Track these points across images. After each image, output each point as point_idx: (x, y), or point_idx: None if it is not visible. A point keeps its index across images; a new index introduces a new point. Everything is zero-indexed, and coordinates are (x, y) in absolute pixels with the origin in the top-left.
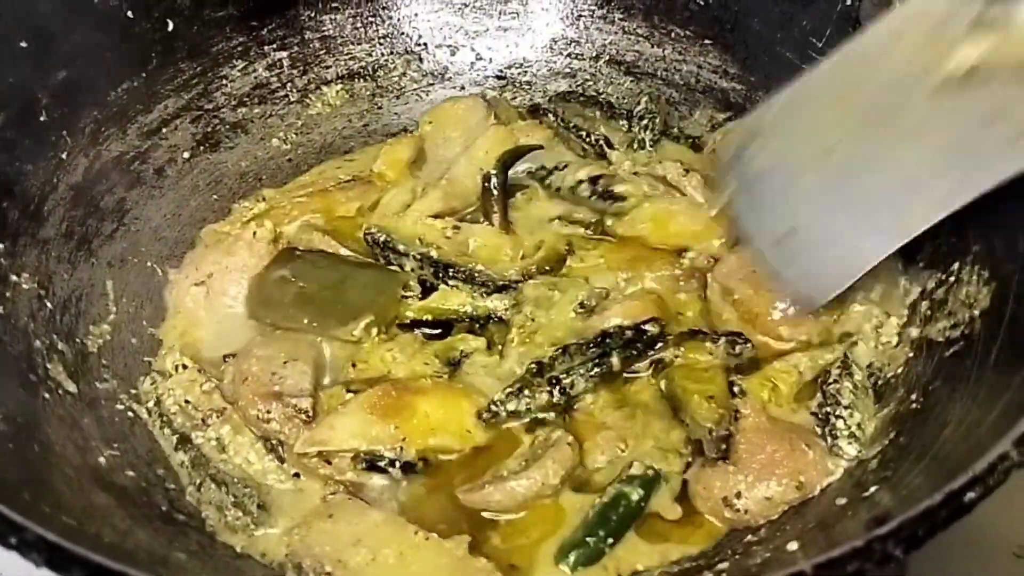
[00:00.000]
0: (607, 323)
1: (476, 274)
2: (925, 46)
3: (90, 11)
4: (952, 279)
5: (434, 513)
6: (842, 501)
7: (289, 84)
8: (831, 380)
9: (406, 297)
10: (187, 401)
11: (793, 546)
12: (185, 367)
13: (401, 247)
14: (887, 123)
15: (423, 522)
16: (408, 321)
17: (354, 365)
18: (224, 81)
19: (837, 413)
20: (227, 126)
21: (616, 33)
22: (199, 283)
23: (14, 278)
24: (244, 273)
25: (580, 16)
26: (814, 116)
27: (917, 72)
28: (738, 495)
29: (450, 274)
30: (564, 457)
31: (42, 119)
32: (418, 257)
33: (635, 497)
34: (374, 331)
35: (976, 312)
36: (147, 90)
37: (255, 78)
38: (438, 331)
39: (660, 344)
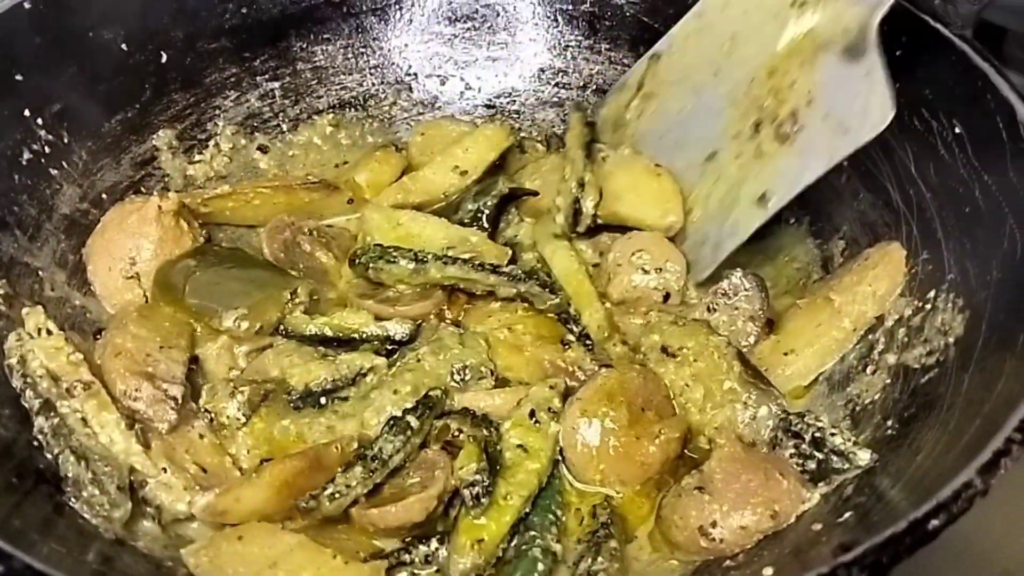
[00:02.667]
0: (459, 403)
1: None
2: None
3: (85, 44)
4: (928, 307)
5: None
6: (817, 527)
7: (281, 114)
8: (792, 425)
9: (292, 302)
10: (51, 374)
11: (768, 571)
12: (50, 332)
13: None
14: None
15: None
16: (307, 333)
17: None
18: (217, 111)
19: (830, 432)
20: (220, 155)
21: (603, 63)
22: (129, 276)
23: (6, 307)
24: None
25: (567, 47)
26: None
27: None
28: (713, 524)
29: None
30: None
31: (37, 149)
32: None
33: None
34: (244, 325)
35: (951, 339)
36: (141, 121)
37: (247, 108)
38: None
39: (446, 414)
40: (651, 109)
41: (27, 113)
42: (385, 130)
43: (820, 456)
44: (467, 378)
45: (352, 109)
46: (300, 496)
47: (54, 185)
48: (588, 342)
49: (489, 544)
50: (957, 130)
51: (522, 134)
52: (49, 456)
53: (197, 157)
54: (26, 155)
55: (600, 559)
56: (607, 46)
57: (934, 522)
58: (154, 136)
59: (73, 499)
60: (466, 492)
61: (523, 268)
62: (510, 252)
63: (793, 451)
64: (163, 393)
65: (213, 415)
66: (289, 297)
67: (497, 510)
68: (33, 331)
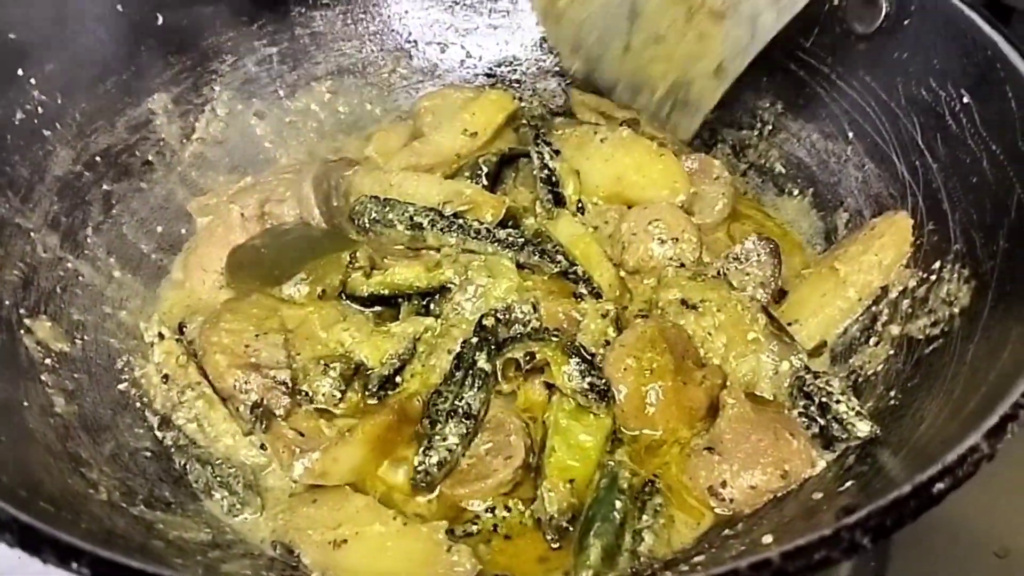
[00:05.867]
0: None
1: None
2: None
3: (80, 4)
4: (933, 277)
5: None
6: (818, 495)
7: (279, 80)
8: (806, 384)
9: (352, 265)
10: (165, 376)
11: (768, 539)
12: (162, 336)
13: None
14: None
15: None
16: (365, 295)
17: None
18: (214, 76)
19: (835, 399)
20: (216, 120)
21: None
22: (202, 268)
23: None
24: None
25: None
26: None
27: None
28: (723, 484)
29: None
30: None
31: (30, 109)
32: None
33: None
34: (305, 290)
35: (956, 310)
36: (136, 83)
37: (244, 73)
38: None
39: (509, 341)
40: None
41: (20, 72)
42: (384, 98)
43: (822, 422)
44: (512, 317)
45: (351, 76)
46: (391, 450)
47: (47, 147)
48: (599, 296)
49: (580, 483)
50: (965, 100)
51: (523, 103)
52: (178, 466)
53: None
54: (19, 115)
55: (645, 516)
56: None
57: (939, 486)
58: (149, 99)
59: (207, 501)
60: (589, 397)
61: (524, 233)
62: (507, 200)
63: (802, 411)
64: (272, 380)
65: (311, 393)
66: (349, 260)
67: (581, 452)
68: (154, 337)
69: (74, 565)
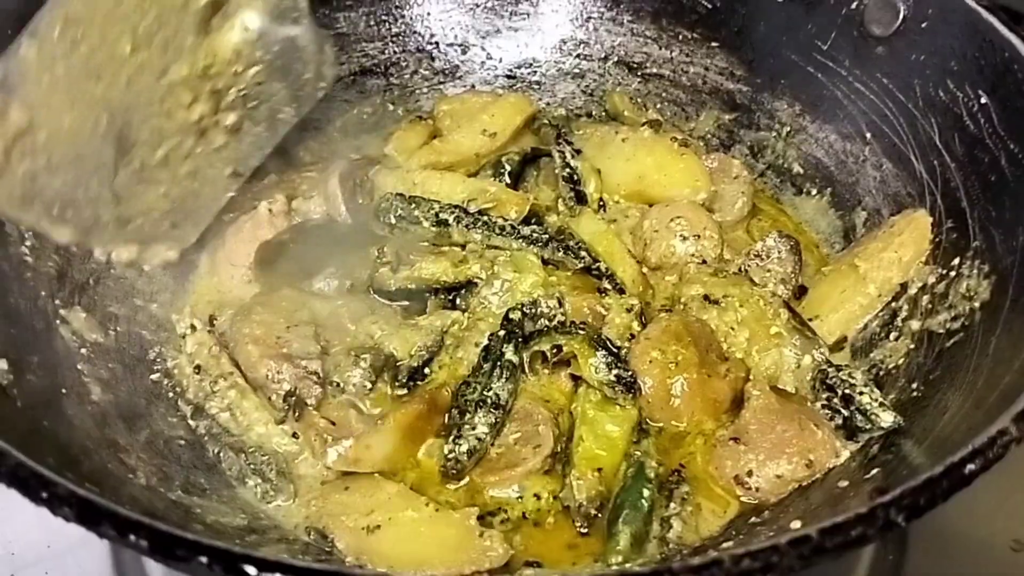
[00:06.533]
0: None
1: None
2: None
3: None
4: (953, 273)
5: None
6: (844, 484)
7: None
8: (829, 376)
9: (380, 260)
10: (198, 367)
11: (796, 524)
12: (194, 328)
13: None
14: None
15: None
16: (393, 289)
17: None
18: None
19: (859, 391)
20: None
21: (625, 35)
22: (231, 263)
23: (32, 260)
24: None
25: (589, 18)
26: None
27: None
28: (749, 473)
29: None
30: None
31: None
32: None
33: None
34: (335, 284)
35: (976, 304)
36: None
37: None
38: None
39: (536, 334)
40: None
41: None
42: (406, 98)
43: (846, 413)
44: (539, 311)
45: (373, 77)
46: (422, 439)
47: None
48: (622, 291)
49: (608, 472)
50: (983, 100)
51: (542, 104)
52: (211, 454)
53: None
54: None
55: (672, 505)
56: (629, 17)
57: (970, 467)
58: None
59: (240, 488)
60: (616, 389)
61: (548, 230)
62: (531, 198)
63: (825, 403)
64: (304, 370)
65: (341, 384)
66: (377, 254)
67: (608, 441)
68: (186, 329)
69: (132, 538)
